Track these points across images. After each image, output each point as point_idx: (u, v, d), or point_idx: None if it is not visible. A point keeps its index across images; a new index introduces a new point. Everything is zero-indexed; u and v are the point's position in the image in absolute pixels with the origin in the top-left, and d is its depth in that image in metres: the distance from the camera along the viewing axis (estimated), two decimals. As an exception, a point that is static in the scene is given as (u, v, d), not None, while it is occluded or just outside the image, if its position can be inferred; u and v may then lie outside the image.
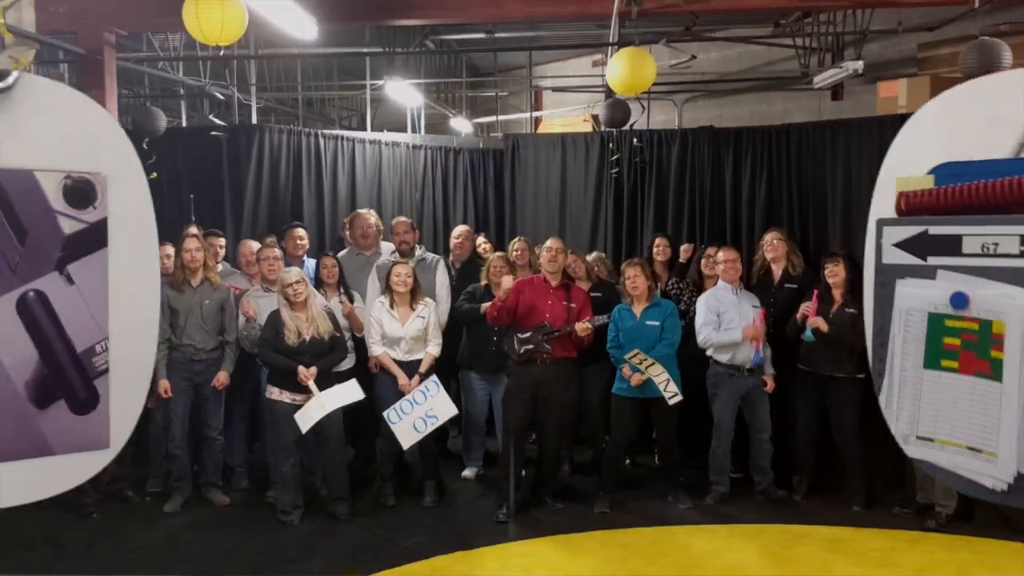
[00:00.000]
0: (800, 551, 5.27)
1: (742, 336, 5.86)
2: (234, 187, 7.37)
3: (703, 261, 6.44)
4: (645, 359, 5.64)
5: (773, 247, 6.23)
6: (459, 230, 7.20)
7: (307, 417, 5.51)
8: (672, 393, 5.67)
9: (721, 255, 6.08)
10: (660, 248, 6.81)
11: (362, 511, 5.87)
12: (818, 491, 6.11)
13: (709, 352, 6.03)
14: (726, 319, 5.95)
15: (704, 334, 5.98)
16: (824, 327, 5.72)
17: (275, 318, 5.65)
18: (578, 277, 6.44)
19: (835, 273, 5.81)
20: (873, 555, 5.20)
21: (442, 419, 5.75)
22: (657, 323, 5.84)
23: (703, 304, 6.06)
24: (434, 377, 5.80)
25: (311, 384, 5.53)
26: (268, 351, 5.62)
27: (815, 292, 5.83)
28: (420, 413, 5.71)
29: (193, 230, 6.55)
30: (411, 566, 5.05)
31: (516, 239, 6.84)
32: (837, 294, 5.84)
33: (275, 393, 5.64)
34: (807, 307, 5.82)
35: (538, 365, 5.74)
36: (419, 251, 6.58)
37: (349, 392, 5.64)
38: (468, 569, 5.06)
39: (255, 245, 6.52)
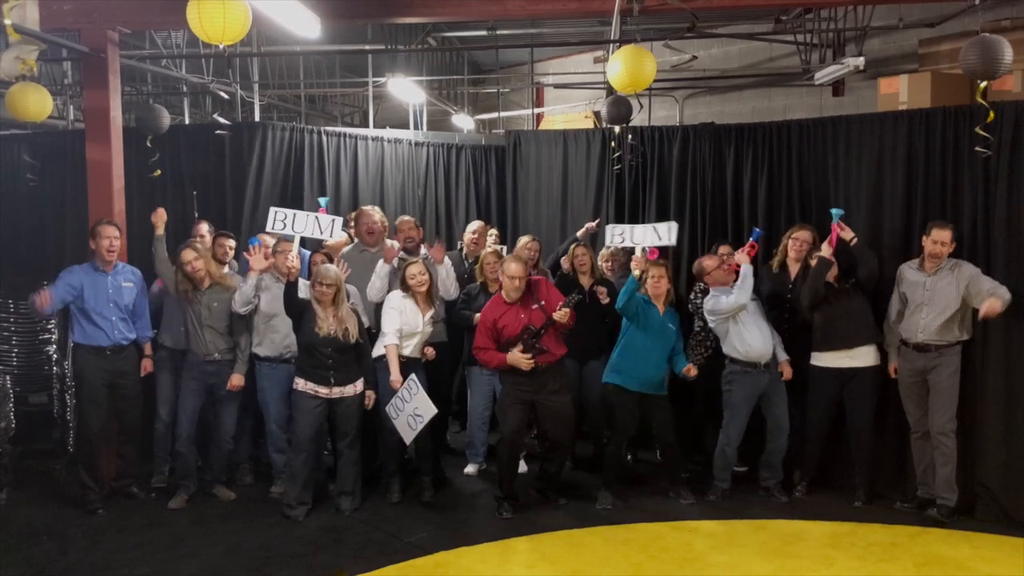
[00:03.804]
0: (801, 546, 5.29)
1: (736, 260, 5.94)
2: (237, 184, 7.38)
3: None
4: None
5: (800, 247, 6.14)
6: (475, 225, 7.25)
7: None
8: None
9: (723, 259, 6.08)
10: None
11: (366, 507, 5.91)
12: (819, 486, 6.13)
13: (725, 350, 6.01)
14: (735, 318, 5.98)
15: (708, 314, 6.05)
16: (854, 240, 5.72)
17: (306, 304, 5.64)
18: (582, 272, 6.45)
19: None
20: (874, 550, 5.22)
21: (426, 418, 5.70)
22: (674, 328, 5.93)
23: (705, 300, 6.12)
24: (413, 376, 5.79)
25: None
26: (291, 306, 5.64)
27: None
28: (409, 411, 5.76)
29: (203, 229, 6.60)
30: (414, 561, 5.08)
31: (528, 237, 6.85)
32: (831, 278, 5.86)
33: (300, 384, 5.68)
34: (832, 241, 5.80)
35: (531, 373, 5.67)
36: (422, 250, 6.60)
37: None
38: (471, 564, 5.08)
39: (268, 239, 6.54)
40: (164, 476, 6.32)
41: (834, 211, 5.83)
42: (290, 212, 5.82)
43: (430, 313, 5.96)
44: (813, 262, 5.85)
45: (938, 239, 5.51)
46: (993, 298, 5.29)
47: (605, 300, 6.15)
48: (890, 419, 5.97)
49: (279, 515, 5.73)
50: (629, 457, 6.84)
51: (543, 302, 5.76)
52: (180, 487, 6.06)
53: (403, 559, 5.10)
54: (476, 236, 7.10)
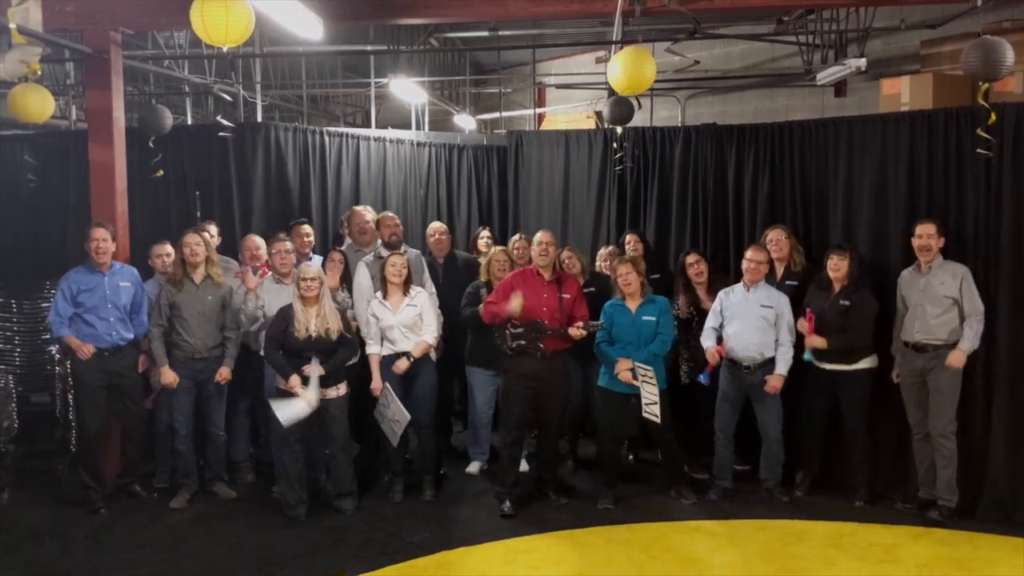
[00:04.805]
0: (803, 547, 5.30)
1: (707, 352, 5.96)
2: (240, 185, 7.39)
3: (688, 270, 6.44)
4: (650, 376, 5.66)
5: (778, 246, 6.21)
6: (435, 226, 7.19)
7: (287, 412, 5.52)
8: (653, 415, 5.69)
9: (748, 253, 6.06)
10: (632, 244, 6.77)
11: (367, 506, 5.92)
12: (820, 487, 6.13)
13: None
14: (729, 319, 5.99)
15: (703, 335, 6.09)
16: (822, 344, 5.75)
17: (286, 313, 5.67)
18: (572, 272, 6.46)
19: (838, 267, 5.81)
20: (875, 550, 5.22)
21: (403, 424, 5.81)
22: (653, 319, 5.87)
23: (714, 301, 6.12)
24: (387, 385, 5.87)
25: (299, 390, 5.54)
26: (272, 347, 5.65)
27: (807, 311, 5.82)
28: (389, 417, 5.85)
29: (213, 230, 6.66)
30: (416, 561, 5.09)
31: (517, 236, 6.87)
32: (837, 286, 5.85)
33: (282, 383, 5.69)
34: (803, 327, 5.81)
35: (534, 359, 5.75)
36: (404, 247, 6.61)
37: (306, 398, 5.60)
38: (473, 564, 5.09)
39: (259, 240, 6.57)
40: (166, 476, 6.34)
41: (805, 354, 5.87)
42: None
43: (403, 303, 5.97)
44: (829, 263, 5.84)
45: (923, 232, 5.57)
46: (957, 351, 5.48)
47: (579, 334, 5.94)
48: (891, 419, 5.97)
49: (281, 515, 5.74)
50: (631, 457, 6.86)
51: (567, 296, 5.84)
52: (181, 486, 6.07)
53: (405, 559, 5.10)
54: (437, 237, 7.04)
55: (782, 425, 6.00)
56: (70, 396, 6.47)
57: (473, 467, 6.66)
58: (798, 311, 5.94)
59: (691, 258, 6.45)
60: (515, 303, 5.71)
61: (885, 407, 5.97)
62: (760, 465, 6.15)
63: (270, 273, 6.21)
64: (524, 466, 6.47)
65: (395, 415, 5.82)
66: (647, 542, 5.37)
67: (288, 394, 5.58)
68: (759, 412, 6.02)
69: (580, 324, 5.76)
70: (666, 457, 6.29)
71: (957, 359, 5.47)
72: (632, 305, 5.91)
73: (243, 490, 6.28)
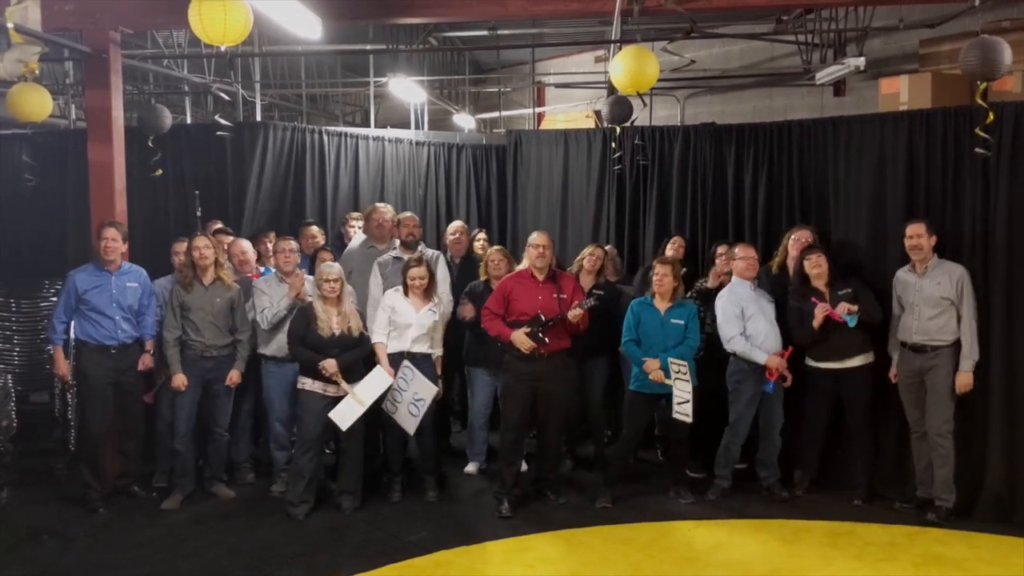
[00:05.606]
0: (801, 545, 5.30)
1: (766, 363, 5.82)
2: (239, 184, 7.41)
3: (717, 261, 6.45)
4: (684, 371, 5.64)
5: (802, 246, 6.16)
6: (455, 226, 7.25)
7: (344, 415, 5.60)
8: (684, 414, 5.67)
9: (739, 251, 6.06)
10: (676, 247, 6.78)
11: (366, 506, 5.92)
12: (819, 486, 6.14)
13: (731, 349, 5.99)
14: (749, 317, 5.93)
15: (734, 342, 5.91)
16: (856, 308, 5.68)
17: (307, 311, 5.72)
18: (588, 271, 6.46)
19: (818, 264, 5.85)
20: (873, 549, 5.23)
21: (428, 399, 5.79)
22: (682, 322, 5.87)
23: (725, 302, 6.00)
24: (406, 362, 5.85)
25: (339, 378, 5.61)
26: (296, 343, 5.70)
27: (815, 300, 5.81)
28: (408, 399, 5.81)
29: (219, 226, 6.68)
30: (414, 560, 5.09)
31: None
32: (820, 284, 5.87)
33: (307, 384, 5.71)
34: (824, 308, 5.73)
35: (535, 360, 5.74)
36: (420, 247, 6.61)
37: (378, 381, 5.73)
38: (471, 564, 5.10)
39: (245, 245, 6.59)
40: (165, 476, 6.32)
41: (848, 319, 5.72)
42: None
43: (425, 307, 5.97)
44: (807, 263, 5.88)
45: (913, 232, 5.59)
46: (963, 373, 5.49)
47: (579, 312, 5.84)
48: (890, 419, 5.98)
49: (280, 514, 5.74)
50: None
51: (564, 295, 5.82)
52: (176, 486, 6.06)
53: (403, 558, 5.11)
54: (456, 236, 7.10)
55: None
56: (69, 395, 6.48)
57: (471, 467, 6.67)
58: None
59: (722, 248, 6.47)
60: (519, 342, 5.69)
61: (884, 406, 5.97)
62: (759, 463, 6.16)
63: (273, 271, 6.22)
64: (523, 466, 6.47)
65: (418, 393, 5.78)
66: (645, 541, 5.38)
67: (336, 401, 5.64)
68: (769, 405, 6.01)
69: (576, 304, 5.72)
70: (673, 455, 6.30)
71: (965, 382, 5.50)
72: (661, 306, 5.91)
73: (243, 490, 6.28)
